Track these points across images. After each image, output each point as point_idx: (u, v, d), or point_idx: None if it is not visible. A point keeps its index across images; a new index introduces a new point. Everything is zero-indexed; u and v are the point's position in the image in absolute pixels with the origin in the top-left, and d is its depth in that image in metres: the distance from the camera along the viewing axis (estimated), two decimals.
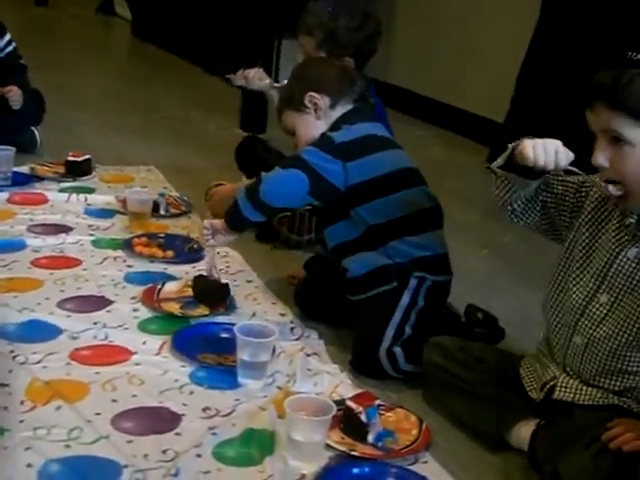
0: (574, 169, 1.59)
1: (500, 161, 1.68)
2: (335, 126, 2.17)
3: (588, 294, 1.65)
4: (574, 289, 1.68)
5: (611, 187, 1.55)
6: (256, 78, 2.85)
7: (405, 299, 2.06)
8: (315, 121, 2.19)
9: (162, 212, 2.86)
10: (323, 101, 2.18)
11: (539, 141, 1.56)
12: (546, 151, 1.54)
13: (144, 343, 2.02)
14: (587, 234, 1.68)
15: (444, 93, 4.72)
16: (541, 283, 2.46)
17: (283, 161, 2.15)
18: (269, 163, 2.94)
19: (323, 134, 2.15)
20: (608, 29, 3.46)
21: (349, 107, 2.21)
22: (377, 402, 1.80)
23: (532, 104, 3.78)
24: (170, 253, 2.54)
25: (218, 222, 2.16)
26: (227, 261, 2.55)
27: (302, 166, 2.05)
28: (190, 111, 4.55)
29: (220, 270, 2.29)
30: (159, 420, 1.73)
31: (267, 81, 2.88)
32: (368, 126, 2.19)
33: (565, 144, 1.57)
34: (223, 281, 2.27)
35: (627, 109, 1.47)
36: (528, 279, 2.68)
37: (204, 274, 2.29)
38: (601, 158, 1.53)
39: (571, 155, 1.55)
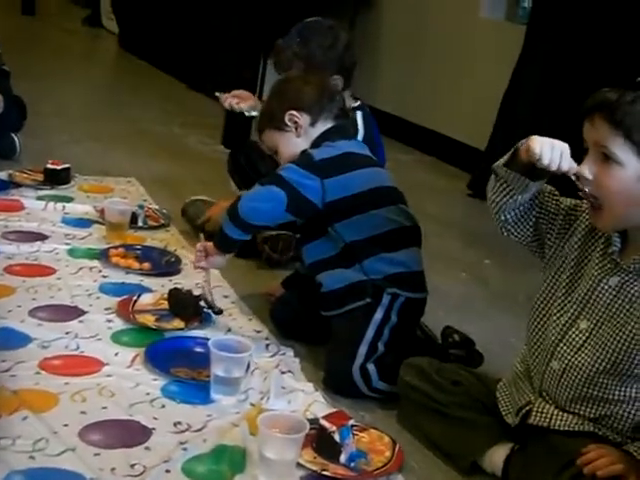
0: (574, 178, 1.57)
1: (503, 160, 1.66)
2: (316, 143, 2.16)
3: (569, 320, 1.65)
4: (557, 314, 1.67)
5: (588, 187, 1.54)
6: (243, 99, 2.89)
7: (378, 315, 2.05)
8: (295, 139, 2.19)
9: (140, 224, 2.84)
10: (303, 119, 2.17)
11: (548, 139, 1.55)
12: (553, 150, 1.53)
13: (116, 355, 1.99)
14: (574, 260, 1.67)
15: (428, 119, 4.74)
16: (517, 309, 2.47)
17: (262, 179, 2.14)
18: (262, 172, 2.95)
19: (304, 151, 2.14)
20: (590, 59, 3.48)
21: (330, 124, 2.20)
22: (351, 422, 1.77)
23: (514, 131, 3.78)
24: (147, 265, 2.51)
25: (210, 244, 2.17)
26: (204, 275, 2.52)
27: (280, 183, 2.05)
28: (172, 125, 4.53)
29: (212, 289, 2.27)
30: (128, 433, 1.69)
31: (252, 104, 2.89)
32: (349, 144, 2.20)
33: None
34: (198, 293, 2.25)
35: (624, 128, 1.47)
36: (505, 304, 2.68)
37: (179, 287, 2.28)
38: (587, 170, 1.53)
39: (574, 165, 1.54)
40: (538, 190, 1.67)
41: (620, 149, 1.49)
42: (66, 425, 1.67)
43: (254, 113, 2.93)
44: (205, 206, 2.91)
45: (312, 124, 2.18)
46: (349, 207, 2.09)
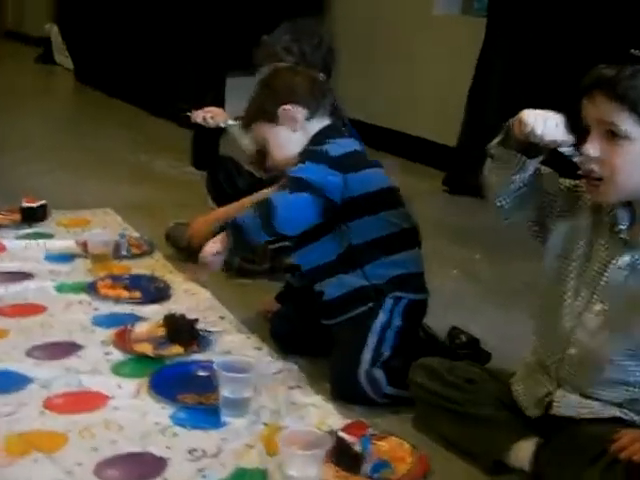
0: (569, 152, 1.56)
1: (497, 139, 1.64)
2: (317, 140, 2.10)
3: (582, 304, 1.62)
4: (568, 300, 1.64)
5: (594, 165, 1.52)
6: (215, 115, 2.90)
7: (381, 319, 2.01)
8: (291, 134, 2.12)
9: (124, 253, 2.79)
10: (300, 113, 2.11)
11: (541, 111, 1.55)
12: (546, 121, 1.53)
13: (120, 387, 1.93)
14: (582, 243, 1.64)
15: (393, 120, 4.73)
16: (512, 301, 2.45)
17: (286, 184, 2.03)
18: (240, 186, 2.94)
19: (309, 149, 2.08)
20: (554, 45, 3.50)
21: (326, 121, 2.15)
22: (369, 431, 1.74)
23: (483, 124, 3.79)
24: (137, 294, 2.46)
25: (215, 245, 2.07)
26: (195, 299, 2.49)
27: (307, 187, 1.98)
28: (139, 153, 4.48)
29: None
30: (144, 466, 1.64)
31: (225, 118, 2.91)
32: (352, 142, 2.15)
33: None
34: (192, 316, 2.21)
35: (628, 102, 1.45)
36: (499, 298, 2.66)
37: (174, 313, 2.23)
38: (592, 148, 1.51)
39: (571, 137, 1.53)
40: (536, 170, 1.64)
41: (626, 123, 1.47)
42: (80, 464, 1.62)
43: (230, 122, 2.92)
44: (187, 228, 2.87)
45: (309, 119, 2.12)
46: (365, 205, 2.04)
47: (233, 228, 2.03)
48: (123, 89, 6.00)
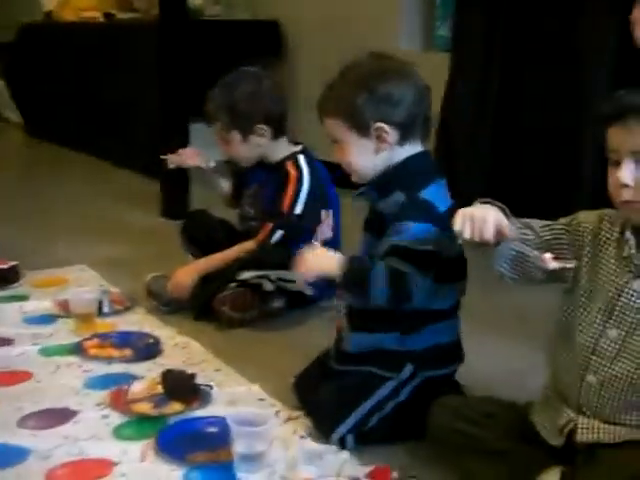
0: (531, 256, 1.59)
1: None
2: (407, 171, 1.89)
3: (596, 331, 1.60)
4: (580, 328, 1.63)
5: (629, 192, 1.50)
6: (192, 156, 2.92)
7: (389, 387, 1.90)
8: (372, 153, 1.90)
9: (106, 310, 2.71)
10: (391, 136, 1.89)
11: (469, 211, 1.56)
12: (473, 222, 1.54)
13: (124, 451, 1.86)
14: (586, 271, 1.64)
15: None
16: (502, 327, 2.40)
17: (407, 254, 1.80)
18: (215, 237, 2.90)
19: (412, 201, 1.85)
20: (520, 81, 3.52)
21: (419, 146, 1.93)
22: (394, 475, 1.68)
23: (453, 158, 3.79)
24: (127, 351, 2.39)
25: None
26: (187, 352, 2.42)
27: (433, 266, 1.82)
28: (107, 205, 4.40)
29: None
30: None
31: (203, 157, 2.93)
32: (443, 180, 1.93)
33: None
34: (188, 371, 2.14)
35: None
36: (489, 325, 2.62)
37: (171, 368, 2.16)
38: (629, 177, 1.49)
39: (504, 223, 1.55)
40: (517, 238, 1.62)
41: None
42: None
43: (212, 164, 2.92)
44: (167, 280, 2.81)
45: (401, 143, 1.90)
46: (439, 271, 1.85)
47: (355, 280, 1.84)
48: (82, 140, 5.90)
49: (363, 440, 1.87)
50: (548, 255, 1.56)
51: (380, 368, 1.91)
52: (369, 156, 1.91)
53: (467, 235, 1.55)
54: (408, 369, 1.90)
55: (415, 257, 1.79)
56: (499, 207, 1.61)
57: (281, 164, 2.79)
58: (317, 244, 1.91)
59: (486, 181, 3.45)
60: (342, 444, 1.86)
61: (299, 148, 2.83)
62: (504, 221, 1.58)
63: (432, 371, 1.93)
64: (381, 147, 1.89)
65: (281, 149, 2.80)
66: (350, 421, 1.87)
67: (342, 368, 2.00)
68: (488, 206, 1.61)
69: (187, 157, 2.98)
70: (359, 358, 1.96)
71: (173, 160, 2.98)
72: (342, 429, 1.86)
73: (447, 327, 1.96)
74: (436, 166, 1.97)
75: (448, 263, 1.84)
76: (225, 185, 3.03)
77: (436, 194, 1.88)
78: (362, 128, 1.88)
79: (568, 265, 1.59)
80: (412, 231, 1.79)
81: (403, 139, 1.90)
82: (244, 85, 2.72)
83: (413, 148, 1.93)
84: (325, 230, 2.80)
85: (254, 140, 2.74)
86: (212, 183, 3.04)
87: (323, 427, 1.90)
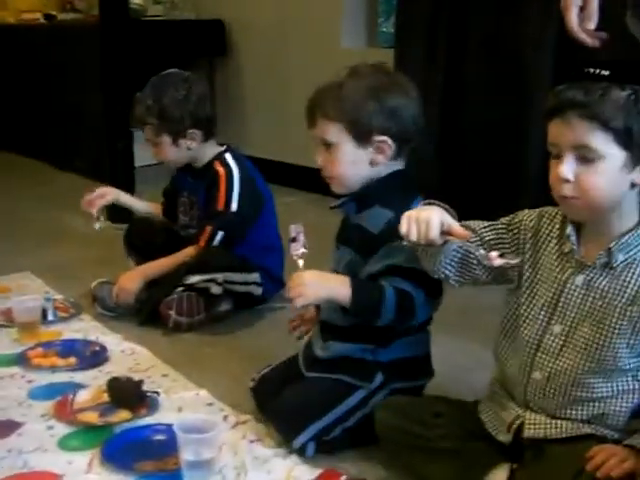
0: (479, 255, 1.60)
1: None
2: (387, 187, 1.87)
3: (540, 327, 1.62)
4: (524, 325, 1.64)
5: (568, 187, 1.50)
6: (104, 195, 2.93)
7: (357, 397, 1.86)
8: (366, 164, 1.86)
9: (51, 318, 2.66)
10: (391, 150, 1.86)
11: (414, 213, 1.57)
12: (418, 224, 1.56)
13: (70, 463, 1.82)
14: (528, 268, 1.65)
15: (304, 157, 4.69)
16: (451, 326, 2.39)
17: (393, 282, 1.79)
18: (156, 243, 2.87)
19: (396, 211, 1.76)
20: (464, 75, 3.54)
21: (402, 164, 1.90)
22: (344, 478, 1.67)
23: None
24: (72, 360, 2.35)
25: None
26: (134, 359, 2.39)
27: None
28: (51, 210, 4.31)
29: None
30: None
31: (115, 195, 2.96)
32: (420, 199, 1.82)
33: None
34: (135, 378, 2.11)
35: (602, 121, 1.45)
36: (438, 327, 2.63)
37: (117, 376, 2.13)
38: (569, 172, 1.50)
39: (449, 222, 1.56)
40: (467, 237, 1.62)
41: (600, 142, 1.47)
42: None
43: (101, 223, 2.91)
44: (112, 286, 2.77)
45: (395, 159, 1.88)
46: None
47: (367, 305, 1.80)
48: (23, 144, 5.79)
49: (323, 449, 1.85)
50: (494, 253, 1.57)
51: (351, 376, 1.88)
52: (361, 166, 1.87)
53: (413, 237, 1.56)
54: (379, 379, 1.87)
55: (415, 275, 1.77)
56: (443, 208, 1.62)
57: (209, 165, 2.78)
58: (300, 263, 1.84)
59: (431, 178, 3.45)
60: (302, 452, 1.84)
61: (224, 147, 2.83)
62: (449, 220, 1.59)
63: (401, 383, 1.89)
64: (377, 159, 1.86)
65: (209, 151, 2.80)
66: (313, 429, 1.83)
67: (311, 374, 1.96)
68: (433, 207, 1.61)
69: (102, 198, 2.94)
70: (329, 365, 1.92)
71: (85, 204, 2.94)
72: (304, 437, 1.83)
73: (418, 340, 1.94)
74: (415, 183, 1.93)
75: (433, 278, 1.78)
76: (140, 207, 3.02)
77: None
78: (363, 137, 1.84)
79: (512, 261, 1.60)
80: (407, 250, 1.74)
81: (397, 154, 1.88)
82: (173, 89, 2.70)
83: (398, 164, 1.91)
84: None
85: (184, 144, 2.74)
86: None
87: (285, 433, 1.87)
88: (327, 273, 1.88)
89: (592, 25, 1.61)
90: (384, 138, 1.84)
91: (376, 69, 1.92)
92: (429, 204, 1.63)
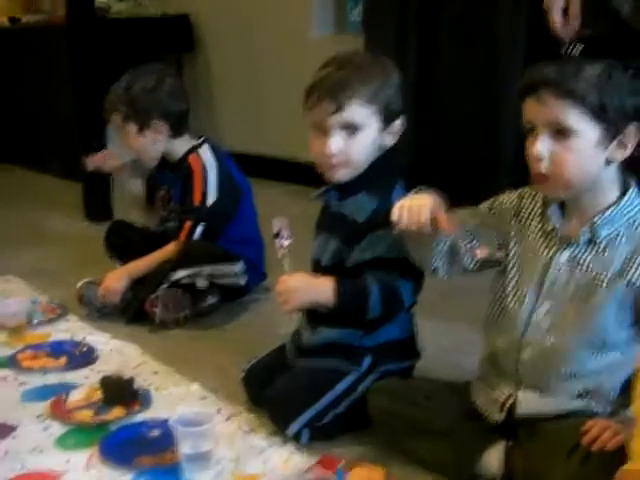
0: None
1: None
2: (373, 172, 1.88)
3: (528, 306, 1.65)
4: (512, 304, 1.67)
5: (544, 164, 1.53)
6: (110, 156, 2.97)
7: (347, 381, 1.88)
8: (376, 147, 1.87)
9: (37, 320, 2.65)
10: (399, 131, 1.89)
11: (407, 202, 1.60)
12: (409, 211, 1.58)
13: (68, 461, 1.83)
14: (514, 249, 1.69)
15: (280, 148, 4.70)
16: (434, 310, 2.42)
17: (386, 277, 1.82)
18: (136, 241, 2.88)
19: (380, 199, 1.84)
20: (433, 58, 3.57)
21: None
22: (342, 463, 1.70)
23: None
24: (62, 360, 2.35)
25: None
26: (123, 357, 2.39)
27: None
28: (28, 212, 4.29)
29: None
30: None
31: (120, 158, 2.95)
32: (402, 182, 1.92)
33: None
34: (127, 376, 2.12)
35: (576, 98, 1.48)
36: (424, 309, 2.66)
37: (108, 375, 2.14)
38: (544, 150, 1.52)
39: (441, 212, 1.58)
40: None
41: (575, 119, 1.49)
42: None
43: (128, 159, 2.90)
44: (98, 286, 2.78)
45: (382, 130, 1.87)
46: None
47: (352, 304, 1.84)
48: None
49: (317, 436, 1.87)
50: (477, 248, 1.61)
51: (339, 360, 1.90)
52: (372, 149, 1.86)
53: (404, 226, 1.58)
54: (367, 362, 1.90)
55: (399, 265, 1.80)
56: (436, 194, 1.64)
57: (183, 160, 2.80)
58: (285, 264, 1.87)
59: (407, 167, 3.47)
60: (297, 439, 1.86)
61: (200, 141, 2.84)
62: (440, 206, 1.61)
63: (389, 365, 1.91)
64: (385, 141, 1.87)
65: (183, 146, 2.81)
66: (306, 416, 1.85)
67: (300, 362, 1.99)
68: (425, 194, 1.63)
69: (106, 158, 2.97)
70: (318, 351, 1.95)
71: (93, 161, 2.97)
72: (298, 424, 1.85)
73: (404, 322, 1.96)
74: (395, 166, 1.93)
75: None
76: (136, 185, 3.02)
77: (403, 196, 1.81)
78: (390, 121, 1.85)
79: (497, 255, 1.64)
80: (391, 239, 1.77)
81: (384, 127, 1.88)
82: (144, 80, 2.74)
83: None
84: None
85: (150, 135, 2.75)
86: (123, 187, 3.05)
87: (278, 421, 1.89)
88: (312, 277, 1.91)
89: (576, 24, 1.64)
90: (401, 121, 1.86)
91: (370, 56, 1.97)
92: (421, 191, 1.66)
